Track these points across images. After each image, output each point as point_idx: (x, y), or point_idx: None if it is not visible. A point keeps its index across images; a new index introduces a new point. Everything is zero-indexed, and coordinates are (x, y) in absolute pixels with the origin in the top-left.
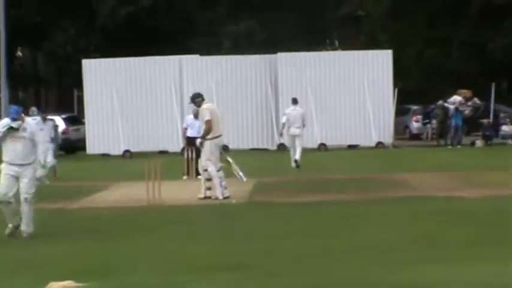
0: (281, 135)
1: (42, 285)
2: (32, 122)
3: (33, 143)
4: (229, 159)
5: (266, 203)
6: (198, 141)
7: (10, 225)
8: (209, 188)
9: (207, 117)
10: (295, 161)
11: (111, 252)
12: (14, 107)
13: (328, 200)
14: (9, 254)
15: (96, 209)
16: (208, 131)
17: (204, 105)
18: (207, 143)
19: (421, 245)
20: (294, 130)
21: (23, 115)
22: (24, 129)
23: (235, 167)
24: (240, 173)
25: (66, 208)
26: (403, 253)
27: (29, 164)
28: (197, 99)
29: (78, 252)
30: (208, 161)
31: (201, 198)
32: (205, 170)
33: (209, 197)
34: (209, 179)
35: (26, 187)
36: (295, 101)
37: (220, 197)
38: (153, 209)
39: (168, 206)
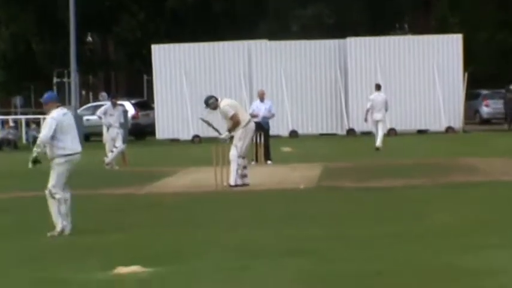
0: (366, 120)
1: (110, 269)
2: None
3: None
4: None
5: (334, 188)
6: (225, 135)
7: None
8: (245, 176)
9: (231, 113)
10: (377, 148)
11: (179, 238)
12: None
13: (397, 185)
14: (78, 238)
15: (164, 194)
16: (236, 124)
17: (222, 103)
18: (238, 131)
19: (490, 230)
20: (376, 115)
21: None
22: None
23: None
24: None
25: (134, 193)
26: (472, 238)
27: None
28: (210, 101)
29: (145, 238)
30: (233, 146)
31: (231, 186)
32: (240, 157)
33: (246, 184)
34: (245, 167)
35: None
36: (378, 87)
37: (232, 183)
38: (221, 194)
39: (235, 191)
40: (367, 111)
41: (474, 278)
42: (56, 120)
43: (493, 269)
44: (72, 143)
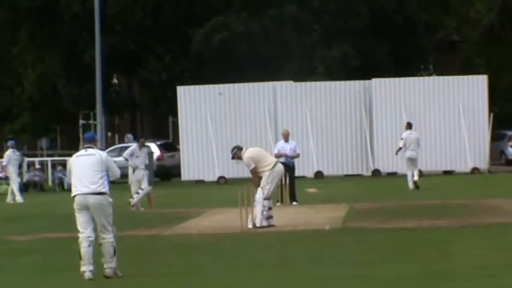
0: (396, 153)
1: None
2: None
3: None
4: None
5: (359, 229)
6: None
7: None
8: (270, 217)
9: (251, 167)
10: (415, 182)
11: (204, 279)
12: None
13: (422, 226)
14: (102, 281)
15: (189, 235)
16: (257, 179)
17: (245, 155)
18: (265, 173)
19: None
20: (411, 153)
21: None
22: None
23: None
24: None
25: (159, 235)
26: (499, 279)
27: None
28: (233, 152)
29: (170, 279)
30: (260, 188)
31: (256, 227)
32: (266, 199)
33: (271, 226)
34: (270, 208)
35: None
36: (410, 126)
37: (257, 225)
38: (246, 236)
39: (261, 232)
40: (400, 149)
41: None
42: (70, 161)
43: None
44: (76, 184)
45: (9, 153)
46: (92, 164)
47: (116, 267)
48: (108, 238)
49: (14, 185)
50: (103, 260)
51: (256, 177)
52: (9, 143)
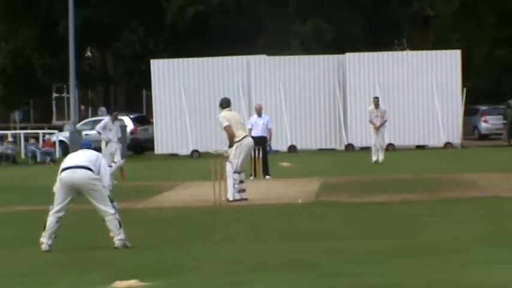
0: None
1: (108, 283)
2: None
3: None
4: None
5: (332, 203)
6: (225, 149)
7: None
8: (243, 190)
9: (224, 124)
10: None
11: (176, 252)
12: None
13: (395, 200)
14: (77, 253)
15: (162, 208)
16: (230, 136)
17: (221, 113)
18: (232, 147)
19: (487, 246)
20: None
21: None
22: None
23: None
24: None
25: (132, 208)
26: (469, 254)
27: None
28: (219, 103)
29: (143, 252)
30: (228, 162)
31: (229, 201)
32: (236, 172)
33: (244, 199)
34: (242, 181)
35: None
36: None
37: (230, 198)
38: (219, 209)
39: (234, 205)
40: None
41: None
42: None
43: (491, 284)
44: (68, 161)
45: None
46: (87, 155)
47: (125, 238)
48: (110, 212)
49: None
50: (111, 234)
51: (229, 135)
52: None
